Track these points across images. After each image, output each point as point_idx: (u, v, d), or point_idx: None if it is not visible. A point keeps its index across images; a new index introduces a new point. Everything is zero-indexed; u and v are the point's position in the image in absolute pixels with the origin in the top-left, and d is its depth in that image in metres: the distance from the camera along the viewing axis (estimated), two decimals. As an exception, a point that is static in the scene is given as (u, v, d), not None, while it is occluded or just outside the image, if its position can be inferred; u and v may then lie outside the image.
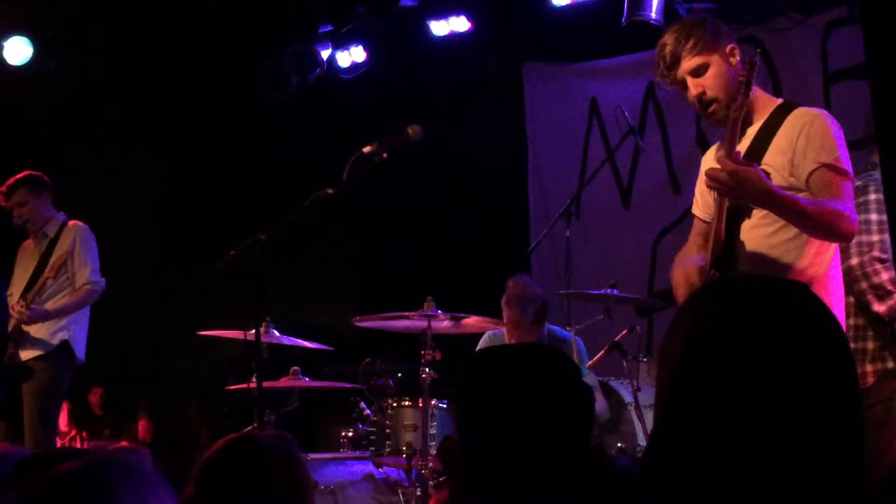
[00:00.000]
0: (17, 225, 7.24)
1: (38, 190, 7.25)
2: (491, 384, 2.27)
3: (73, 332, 7.10)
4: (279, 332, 6.54)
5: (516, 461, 2.17)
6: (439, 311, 5.63)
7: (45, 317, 6.95)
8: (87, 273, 7.09)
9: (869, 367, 4.70)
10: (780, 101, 4.30)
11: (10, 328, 6.95)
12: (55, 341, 7.02)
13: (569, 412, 2.23)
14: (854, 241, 4.37)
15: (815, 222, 3.88)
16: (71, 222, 7.28)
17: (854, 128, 7.58)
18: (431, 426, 5.74)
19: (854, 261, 4.65)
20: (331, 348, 6.90)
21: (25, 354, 6.97)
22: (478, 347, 6.50)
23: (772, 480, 1.57)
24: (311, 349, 6.72)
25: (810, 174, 3.97)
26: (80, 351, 7.14)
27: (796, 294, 1.71)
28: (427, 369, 5.53)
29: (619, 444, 6.37)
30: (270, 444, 2.99)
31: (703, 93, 4.19)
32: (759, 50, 4.32)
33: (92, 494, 1.84)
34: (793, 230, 3.98)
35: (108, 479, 1.86)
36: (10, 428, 6.91)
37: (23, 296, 7.00)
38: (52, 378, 7.01)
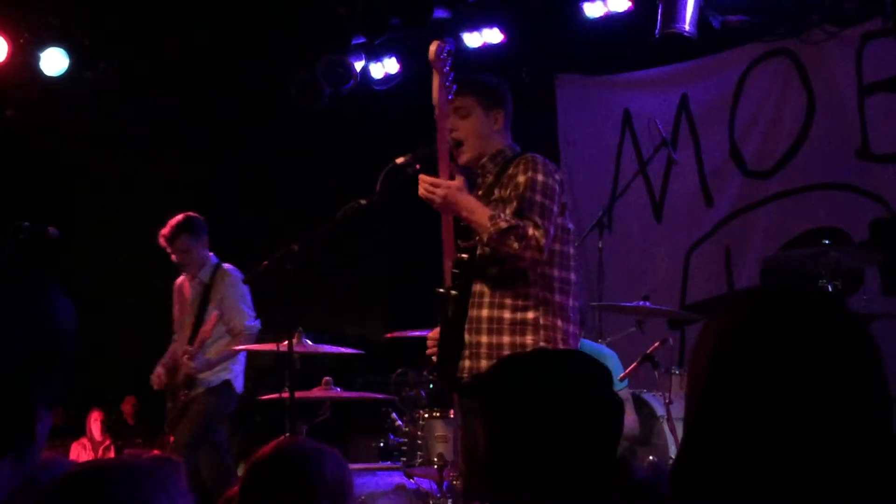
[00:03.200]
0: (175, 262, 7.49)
1: (198, 234, 7.47)
2: (521, 390, 2.26)
3: (233, 370, 7.39)
4: (311, 342, 6.56)
5: (540, 468, 2.17)
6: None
7: (208, 366, 7.26)
8: (242, 321, 7.33)
9: None
10: None
11: (180, 376, 7.25)
12: (217, 380, 7.32)
13: (596, 423, 2.22)
14: None
15: None
16: (223, 267, 7.50)
17: (889, 140, 7.59)
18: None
19: None
20: (361, 352, 6.91)
21: (193, 391, 7.31)
22: None
23: (802, 490, 1.57)
24: (343, 360, 6.73)
25: None
26: (239, 385, 7.45)
27: (825, 305, 1.70)
28: (459, 380, 5.51)
29: (650, 457, 6.35)
30: (324, 449, 3.01)
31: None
32: None
33: (121, 490, 1.85)
34: None
35: (136, 480, 1.87)
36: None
37: (190, 342, 7.29)
38: (210, 410, 7.33)
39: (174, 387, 7.34)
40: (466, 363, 4.60)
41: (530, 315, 4.52)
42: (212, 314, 7.22)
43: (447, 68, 4.49)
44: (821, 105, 7.97)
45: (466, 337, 4.59)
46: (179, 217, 7.42)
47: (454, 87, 4.58)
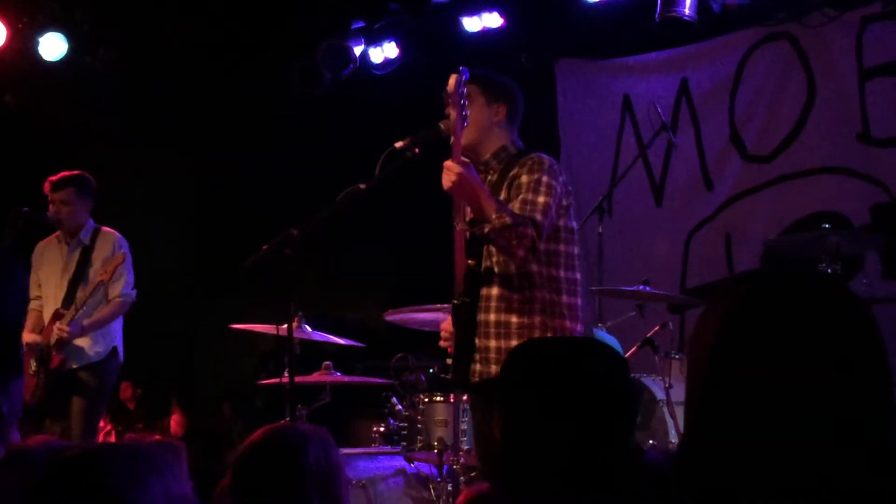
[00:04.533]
0: (50, 218, 7.22)
1: (85, 194, 7.22)
2: (537, 378, 2.25)
3: (116, 337, 7.18)
4: (311, 328, 6.57)
5: (558, 458, 2.16)
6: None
7: (81, 333, 6.97)
8: (119, 286, 7.09)
9: None
10: None
11: (52, 341, 6.96)
12: (105, 349, 7.09)
13: (615, 409, 2.21)
14: None
15: None
16: (104, 229, 7.26)
17: (890, 124, 7.58)
18: (463, 421, 5.75)
19: None
20: (362, 345, 6.91)
21: (76, 363, 7.01)
22: None
23: (807, 477, 1.57)
24: (343, 345, 6.74)
25: None
26: (121, 353, 7.21)
27: (826, 287, 1.70)
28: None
29: (650, 441, 6.36)
30: (308, 434, 3.02)
31: None
32: None
33: (117, 474, 1.85)
34: None
35: (133, 464, 1.88)
36: (59, 430, 6.95)
37: (65, 305, 7.02)
38: (101, 384, 7.09)
39: (43, 354, 7.01)
40: (477, 367, 4.62)
41: (537, 319, 4.55)
42: (95, 277, 7.00)
43: (464, 101, 4.48)
44: (821, 89, 7.96)
45: (477, 341, 4.61)
46: (73, 171, 7.22)
47: (468, 117, 4.56)
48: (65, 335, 6.89)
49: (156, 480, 1.88)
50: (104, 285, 7.03)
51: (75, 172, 7.22)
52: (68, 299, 7.04)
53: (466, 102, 4.50)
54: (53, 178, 7.17)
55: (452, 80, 4.44)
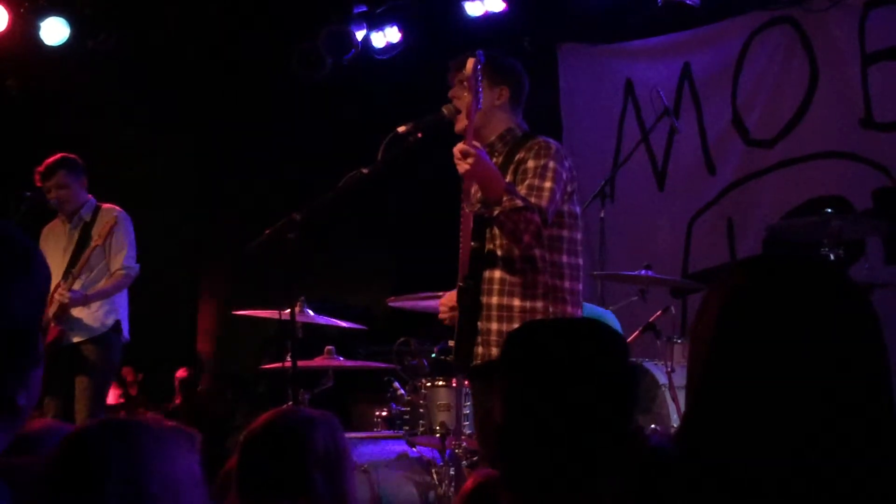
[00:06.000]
0: (52, 205, 7.24)
1: (76, 173, 7.24)
2: (536, 361, 2.25)
3: (120, 312, 7.16)
4: (313, 312, 6.57)
5: (557, 441, 2.15)
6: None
7: (84, 301, 6.95)
8: (121, 258, 7.08)
9: None
10: None
11: (52, 312, 6.95)
12: (108, 322, 7.07)
13: (615, 392, 2.21)
14: None
15: None
16: (105, 205, 7.28)
17: (892, 108, 7.57)
18: (465, 406, 5.76)
19: None
20: (364, 328, 6.92)
21: (78, 337, 6.99)
22: None
23: (806, 460, 1.57)
24: (346, 329, 6.74)
25: None
26: (126, 330, 7.19)
27: (824, 274, 1.70)
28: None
29: (652, 426, 6.37)
30: (315, 418, 3.02)
31: None
32: None
33: (111, 448, 1.85)
34: None
35: (126, 435, 1.88)
36: (59, 406, 6.95)
37: (64, 277, 7.01)
38: (105, 359, 7.06)
39: (43, 329, 6.92)
40: (479, 349, 4.63)
41: (539, 304, 4.56)
42: (91, 250, 6.98)
43: (479, 85, 4.47)
44: (824, 73, 7.95)
45: (479, 324, 4.62)
46: (56, 156, 7.21)
47: (481, 101, 4.53)
48: (65, 300, 6.86)
49: (161, 460, 1.88)
50: (101, 252, 7.02)
51: (59, 156, 7.22)
52: (68, 272, 7.04)
53: (481, 87, 4.49)
54: (40, 168, 7.19)
55: (470, 63, 4.42)
